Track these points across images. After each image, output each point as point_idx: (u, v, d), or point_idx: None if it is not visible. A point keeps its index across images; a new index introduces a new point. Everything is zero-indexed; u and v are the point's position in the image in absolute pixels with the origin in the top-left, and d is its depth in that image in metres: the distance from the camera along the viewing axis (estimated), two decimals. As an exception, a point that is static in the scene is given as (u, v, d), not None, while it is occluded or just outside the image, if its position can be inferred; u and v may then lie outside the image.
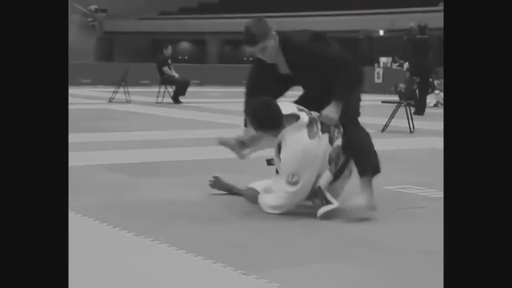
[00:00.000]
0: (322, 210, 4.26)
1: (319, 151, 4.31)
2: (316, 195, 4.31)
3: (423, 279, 3.19)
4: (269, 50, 4.46)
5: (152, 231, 3.90)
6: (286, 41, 4.46)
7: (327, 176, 4.33)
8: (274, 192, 4.44)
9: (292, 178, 4.29)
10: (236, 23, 38.88)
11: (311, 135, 4.30)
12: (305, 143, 4.29)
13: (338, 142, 4.37)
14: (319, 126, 4.33)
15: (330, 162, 4.34)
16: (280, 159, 4.39)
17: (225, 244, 3.71)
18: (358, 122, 4.54)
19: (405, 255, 3.59)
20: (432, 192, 5.25)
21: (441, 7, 32.39)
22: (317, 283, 3.09)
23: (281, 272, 3.23)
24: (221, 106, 14.85)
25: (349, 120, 4.44)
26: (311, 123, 4.32)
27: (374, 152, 4.48)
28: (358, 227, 4.14)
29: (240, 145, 4.77)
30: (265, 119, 4.37)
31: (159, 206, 4.60)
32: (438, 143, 8.58)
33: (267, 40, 4.43)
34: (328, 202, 4.26)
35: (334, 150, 4.35)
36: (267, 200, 4.46)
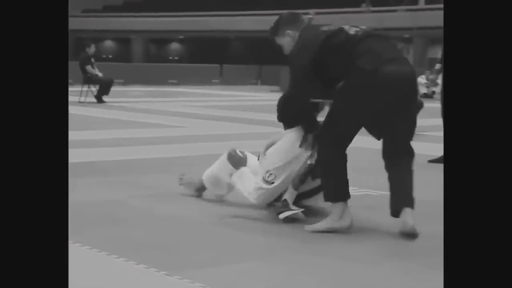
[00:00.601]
0: (285, 213, 4.21)
1: (300, 162, 4.33)
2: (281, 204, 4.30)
3: (343, 277, 3.24)
4: (285, 48, 4.31)
5: (73, 233, 3.82)
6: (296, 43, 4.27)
7: (291, 192, 4.30)
8: (253, 182, 4.43)
9: (268, 176, 4.32)
10: (162, 21, 38.73)
11: (302, 144, 4.34)
12: (293, 147, 4.34)
13: (312, 160, 4.33)
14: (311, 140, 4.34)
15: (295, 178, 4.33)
16: (265, 155, 4.45)
17: (148, 245, 3.68)
18: (331, 143, 4.13)
19: (327, 254, 3.63)
20: (351, 189, 5.32)
21: (364, 8, 32.94)
22: (240, 282, 3.10)
23: (204, 272, 3.23)
24: (145, 106, 14.74)
25: (320, 139, 4.19)
26: (306, 135, 4.35)
27: (336, 179, 4.13)
28: (282, 225, 4.16)
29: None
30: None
31: (80, 208, 4.53)
32: (356, 141, 8.70)
33: (282, 37, 4.30)
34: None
35: (304, 167, 4.33)
36: (246, 186, 4.44)
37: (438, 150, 7.30)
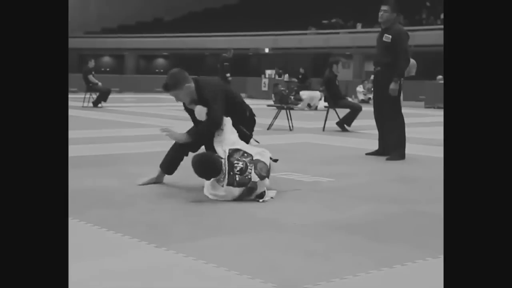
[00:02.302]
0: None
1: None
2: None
3: (299, 248, 3.24)
4: (181, 97, 4.73)
5: (77, 214, 3.79)
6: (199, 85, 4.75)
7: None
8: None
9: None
10: (150, 41, 38.44)
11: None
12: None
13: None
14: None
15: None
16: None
17: (139, 223, 3.66)
18: None
19: (283, 228, 3.64)
20: (306, 177, 5.35)
21: (311, 30, 33.01)
22: (213, 253, 3.09)
23: (186, 245, 3.21)
24: (138, 110, 14.60)
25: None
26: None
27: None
28: (245, 206, 4.16)
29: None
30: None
31: (82, 193, 4.48)
32: (310, 138, 8.77)
33: (181, 90, 4.67)
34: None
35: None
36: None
37: (373, 144, 7.35)
